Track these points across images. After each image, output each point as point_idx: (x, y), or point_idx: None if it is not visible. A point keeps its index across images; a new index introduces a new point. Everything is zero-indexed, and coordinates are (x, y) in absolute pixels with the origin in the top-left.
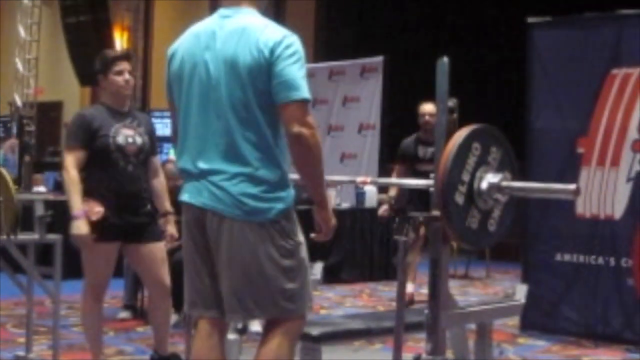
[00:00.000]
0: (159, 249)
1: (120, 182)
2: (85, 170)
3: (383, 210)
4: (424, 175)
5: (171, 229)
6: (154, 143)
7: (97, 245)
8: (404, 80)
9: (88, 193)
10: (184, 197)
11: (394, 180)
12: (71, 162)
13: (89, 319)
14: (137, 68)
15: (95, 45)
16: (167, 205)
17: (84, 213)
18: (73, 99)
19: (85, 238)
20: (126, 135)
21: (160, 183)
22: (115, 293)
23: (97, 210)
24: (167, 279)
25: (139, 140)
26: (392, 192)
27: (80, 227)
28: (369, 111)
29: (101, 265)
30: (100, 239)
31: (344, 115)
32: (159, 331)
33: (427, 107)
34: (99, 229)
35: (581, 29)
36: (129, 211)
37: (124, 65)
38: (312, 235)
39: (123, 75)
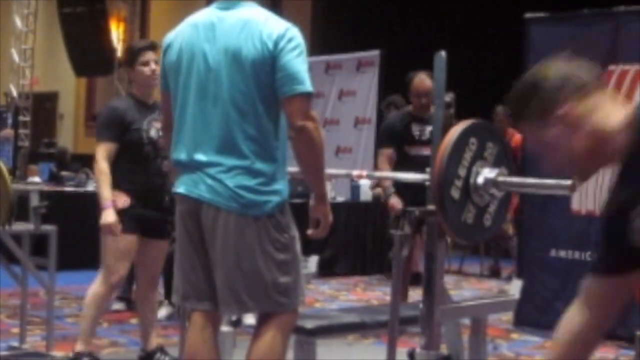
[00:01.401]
0: (165, 246)
1: (150, 175)
2: (116, 162)
3: (395, 201)
4: (419, 161)
5: None
6: None
7: (122, 236)
8: (400, 74)
9: (117, 186)
10: (180, 188)
11: (389, 174)
12: (102, 155)
13: (96, 304)
14: None
15: (91, 37)
16: None
17: (113, 204)
18: (69, 89)
19: (114, 227)
20: (157, 128)
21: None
22: None
23: (125, 199)
24: (159, 273)
25: None
26: (388, 183)
27: (109, 217)
28: (364, 105)
29: (122, 255)
30: (123, 230)
31: (340, 109)
32: (148, 323)
33: (427, 81)
34: (123, 219)
35: (578, 25)
36: (153, 205)
37: (150, 55)
38: (309, 231)
39: (149, 66)
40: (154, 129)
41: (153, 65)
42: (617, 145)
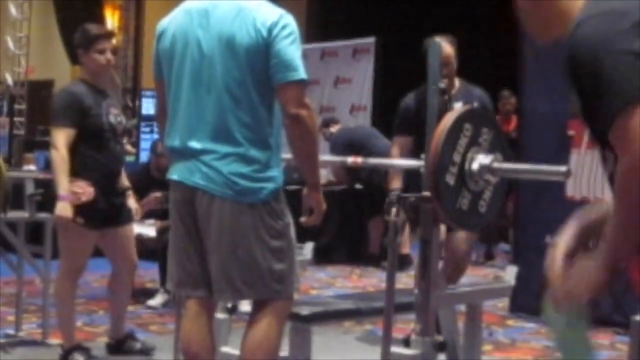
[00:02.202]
0: (131, 230)
1: (109, 161)
2: (75, 148)
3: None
4: None
5: (133, 203)
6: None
7: (83, 230)
8: (395, 61)
9: (77, 172)
10: (174, 175)
11: (385, 160)
12: (62, 141)
13: (65, 301)
14: (128, 47)
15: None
16: (126, 181)
17: (70, 196)
18: (64, 77)
19: (68, 221)
20: (115, 114)
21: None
22: (105, 273)
23: (89, 190)
24: (135, 258)
25: (123, 119)
26: (396, 184)
27: (65, 209)
28: (360, 92)
29: (82, 250)
30: (85, 225)
31: (336, 97)
32: (120, 311)
33: (447, 48)
34: (87, 214)
35: None
36: (112, 191)
37: (107, 44)
38: (302, 219)
39: (105, 54)
40: (112, 115)
41: (109, 55)
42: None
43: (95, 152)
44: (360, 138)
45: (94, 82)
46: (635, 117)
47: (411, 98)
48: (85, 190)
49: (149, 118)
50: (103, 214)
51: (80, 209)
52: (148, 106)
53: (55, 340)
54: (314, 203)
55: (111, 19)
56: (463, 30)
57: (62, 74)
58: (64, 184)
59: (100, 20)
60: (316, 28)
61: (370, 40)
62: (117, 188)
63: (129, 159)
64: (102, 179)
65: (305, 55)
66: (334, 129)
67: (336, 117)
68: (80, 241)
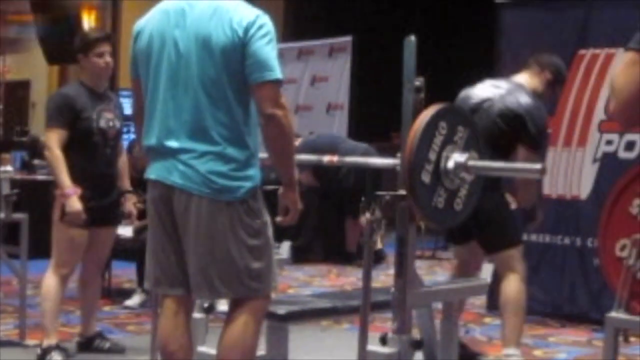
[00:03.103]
0: (114, 232)
1: (98, 165)
2: (65, 151)
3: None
4: None
5: (130, 206)
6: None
7: (71, 229)
8: (372, 60)
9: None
10: (151, 174)
11: (360, 159)
12: (55, 142)
13: (50, 298)
14: None
15: (62, 24)
16: (128, 185)
17: (76, 190)
18: (40, 77)
19: (79, 215)
20: (107, 118)
21: (123, 162)
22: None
23: (75, 191)
24: (106, 258)
25: (117, 123)
26: None
27: (74, 205)
28: (337, 91)
29: (75, 249)
30: (75, 225)
31: (313, 95)
32: (90, 309)
33: None
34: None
35: (549, 9)
36: (102, 193)
37: (105, 47)
38: (278, 219)
39: (104, 58)
40: (104, 119)
41: (107, 58)
42: None
43: (84, 155)
44: (324, 145)
45: (92, 85)
46: None
47: None
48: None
49: (125, 118)
50: (91, 214)
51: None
52: (124, 106)
53: (32, 340)
54: (289, 202)
55: (87, 19)
56: (439, 28)
57: (39, 74)
58: (66, 181)
59: (77, 20)
60: (293, 27)
61: (347, 38)
62: (109, 190)
63: None
64: (91, 181)
65: (281, 54)
66: (297, 141)
67: (296, 132)
68: (73, 240)
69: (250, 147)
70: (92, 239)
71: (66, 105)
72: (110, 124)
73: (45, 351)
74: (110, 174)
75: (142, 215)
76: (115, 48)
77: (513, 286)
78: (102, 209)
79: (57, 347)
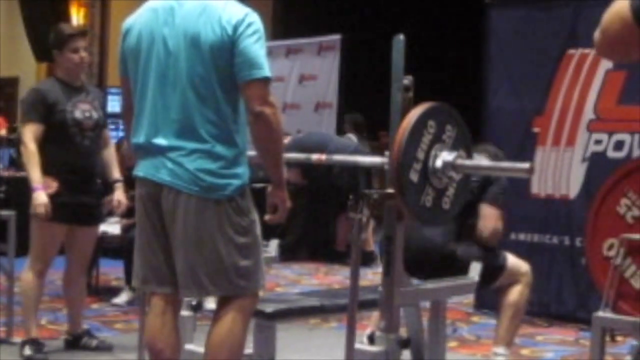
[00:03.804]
0: (95, 232)
1: (76, 157)
2: (41, 145)
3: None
4: None
5: (119, 195)
6: (105, 116)
7: (48, 224)
8: (361, 58)
9: (43, 168)
10: (139, 172)
11: (349, 157)
12: (30, 136)
13: (31, 294)
14: (94, 44)
15: (51, 21)
16: (117, 174)
17: (43, 187)
18: (29, 74)
19: (47, 209)
20: (83, 109)
21: (110, 153)
22: None
23: (53, 185)
24: (90, 257)
25: (95, 114)
26: None
27: (40, 198)
28: (325, 89)
29: (49, 243)
30: (51, 219)
31: (301, 94)
32: (76, 307)
33: None
34: (52, 207)
35: (538, 9)
36: (81, 188)
37: (80, 43)
38: (266, 217)
39: (79, 53)
40: (79, 110)
41: (82, 53)
42: None
43: (60, 147)
44: (313, 143)
45: (67, 80)
46: None
47: None
48: (50, 185)
49: (114, 115)
50: (70, 209)
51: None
52: (113, 104)
53: (19, 338)
54: (278, 201)
55: (77, 17)
56: (427, 27)
57: (28, 71)
58: (36, 176)
59: (66, 17)
60: (282, 25)
61: (336, 37)
62: (87, 184)
63: None
64: (68, 174)
65: (270, 52)
66: (286, 140)
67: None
68: (47, 234)
69: (238, 145)
70: (73, 237)
71: (39, 100)
72: (87, 114)
73: (21, 346)
74: (89, 165)
75: (130, 212)
76: (105, 46)
77: (518, 289)
78: (81, 206)
79: (31, 341)
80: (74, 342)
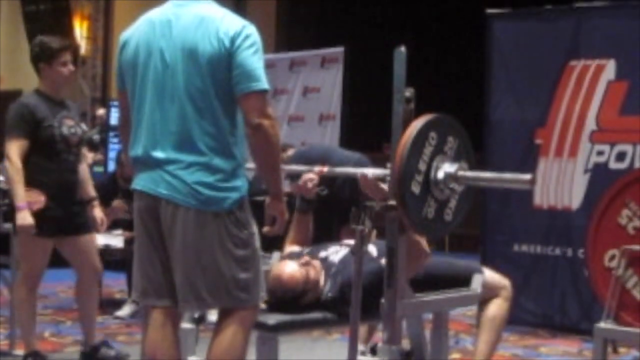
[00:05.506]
0: (93, 238)
1: (62, 172)
2: (27, 159)
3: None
4: None
5: (98, 212)
6: (108, 128)
7: (33, 239)
8: (364, 70)
9: (30, 183)
10: (138, 185)
11: (350, 169)
12: (15, 152)
13: (22, 308)
14: (97, 57)
15: (55, 34)
16: (92, 191)
17: (28, 205)
18: (32, 87)
19: (29, 228)
20: (69, 126)
21: (84, 170)
22: (71, 283)
23: (40, 199)
24: (99, 265)
25: (79, 130)
26: None
27: (25, 218)
28: (329, 102)
29: (38, 257)
30: (39, 233)
31: (304, 106)
32: (90, 319)
33: None
34: (39, 222)
35: (540, 20)
36: (67, 201)
37: (68, 56)
38: (265, 228)
39: (67, 67)
40: (66, 126)
41: (70, 66)
42: None
43: (47, 162)
44: (317, 155)
45: (51, 94)
46: None
47: None
48: (37, 200)
49: (117, 128)
50: (56, 222)
51: (33, 217)
52: (117, 116)
53: (21, 351)
54: (276, 212)
55: (80, 29)
56: (430, 39)
57: (31, 84)
58: (20, 194)
59: (69, 30)
60: (285, 37)
61: (339, 49)
62: (73, 197)
63: (98, 169)
64: (55, 188)
65: (273, 65)
66: (290, 152)
67: (289, 142)
68: (35, 248)
69: (237, 157)
70: (69, 250)
71: (26, 115)
72: (72, 130)
73: (23, 359)
74: (74, 180)
75: (132, 225)
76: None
77: (497, 302)
78: (68, 217)
79: (34, 354)
80: (91, 353)
